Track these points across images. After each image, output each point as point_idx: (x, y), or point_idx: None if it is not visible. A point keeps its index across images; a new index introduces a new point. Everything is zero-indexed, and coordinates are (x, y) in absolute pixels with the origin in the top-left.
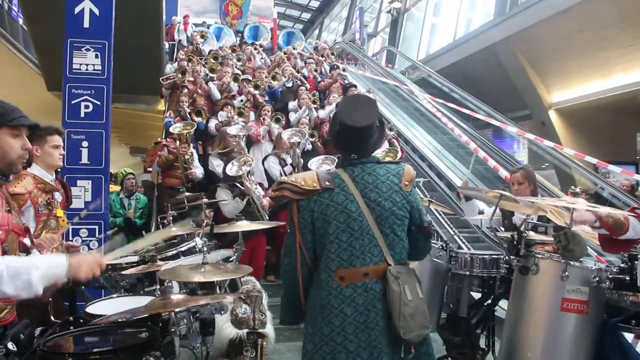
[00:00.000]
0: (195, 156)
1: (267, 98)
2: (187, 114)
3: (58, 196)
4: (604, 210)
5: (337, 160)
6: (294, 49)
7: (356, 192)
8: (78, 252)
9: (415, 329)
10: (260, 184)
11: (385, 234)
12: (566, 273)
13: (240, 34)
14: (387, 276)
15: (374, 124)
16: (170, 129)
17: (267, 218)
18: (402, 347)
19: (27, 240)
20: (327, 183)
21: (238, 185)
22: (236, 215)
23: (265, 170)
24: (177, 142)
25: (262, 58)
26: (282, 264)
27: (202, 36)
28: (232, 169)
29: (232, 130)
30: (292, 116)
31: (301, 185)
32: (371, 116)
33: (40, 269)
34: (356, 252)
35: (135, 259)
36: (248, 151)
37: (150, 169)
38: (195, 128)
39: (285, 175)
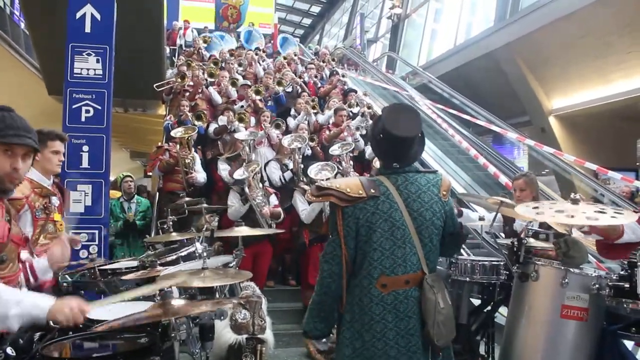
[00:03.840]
0: (198, 160)
1: (270, 104)
2: (189, 119)
3: (55, 200)
4: (603, 221)
5: (378, 167)
6: (294, 54)
7: (400, 201)
8: (78, 245)
9: (446, 335)
10: (276, 194)
11: (424, 243)
12: (566, 280)
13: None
14: (423, 285)
15: (418, 135)
16: (172, 133)
17: (270, 226)
18: (429, 351)
19: (24, 254)
20: (372, 191)
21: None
22: (237, 221)
23: (268, 176)
24: (178, 147)
25: (264, 62)
26: (321, 269)
27: (205, 41)
28: (239, 173)
29: (240, 135)
30: (291, 122)
31: (347, 192)
32: (416, 127)
33: (20, 306)
34: (398, 260)
35: (134, 263)
36: None
37: (151, 174)
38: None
39: (285, 180)
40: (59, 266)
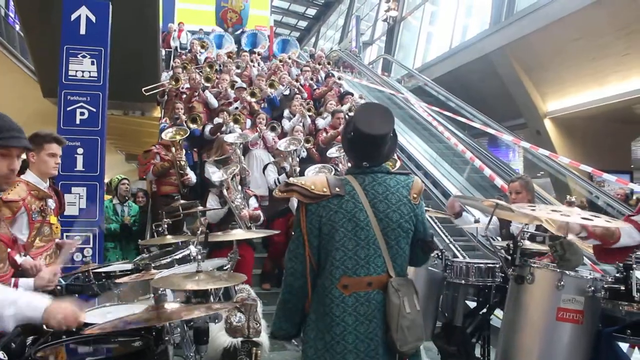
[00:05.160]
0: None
1: (265, 106)
2: (184, 122)
3: (51, 203)
4: (598, 222)
5: (348, 167)
6: (289, 58)
7: (365, 202)
8: (71, 248)
9: (411, 342)
10: (256, 196)
11: (390, 245)
12: (562, 282)
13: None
14: (388, 288)
15: (389, 134)
16: (162, 135)
17: (248, 228)
18: (395, 358)
19: (17, 257)
20: (337, 189)
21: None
22: (231, 224)
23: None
24: (173, 149)
25: (260, 66)
26: (285, 268)
27: (203, 46)
28: (217, 176)
29: (229, 138)
30: (286, 124)
31: (311, 190)
32: (388, 126)
33: (16, 306)
34: (361, 261)
35: (129, 266)
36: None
37: (146, 177)
38: (190, 134)
39: (280, 183)
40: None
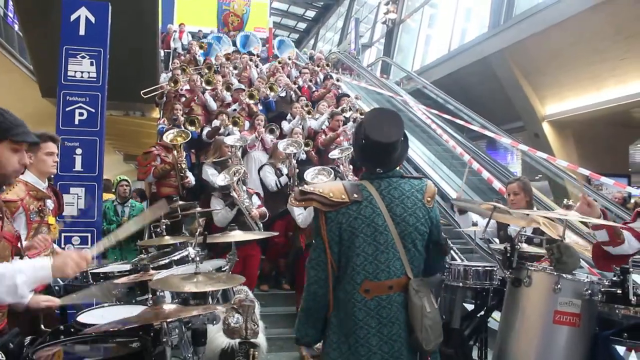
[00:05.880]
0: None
1: (261, 108)
2: (182, 124)
3: (50, 203)
4: (596, 222)
5: (362, 173)
6: (289, 58)
7: (383, 206)
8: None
9: (434, 340)
10: (257, 194)
11: (408, 248)
12: (559, 286)
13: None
14: (409, 290)
15: (400, 139)
16: (164, 137)
17: (259, 228)
18: (417, 356)
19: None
20: (355, 196)
21: (230, 194)
22: (229, 225)
23: (261, 180)
24: (174, 152)
25: (258, 68)
26: (308, 276)
27: (201, 47)
28: (221, 179)
29: (228, 140)
30: (285, 125)
31: (330, 197)
32: (398, 132)
33: (24, 273)
34: (381, 265)
35: (127, 267)
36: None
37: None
38: (189, 137)
39: (281, 185)
40: None
